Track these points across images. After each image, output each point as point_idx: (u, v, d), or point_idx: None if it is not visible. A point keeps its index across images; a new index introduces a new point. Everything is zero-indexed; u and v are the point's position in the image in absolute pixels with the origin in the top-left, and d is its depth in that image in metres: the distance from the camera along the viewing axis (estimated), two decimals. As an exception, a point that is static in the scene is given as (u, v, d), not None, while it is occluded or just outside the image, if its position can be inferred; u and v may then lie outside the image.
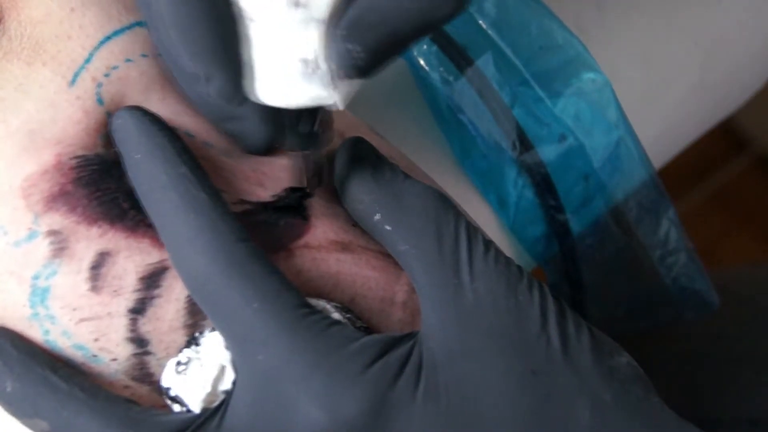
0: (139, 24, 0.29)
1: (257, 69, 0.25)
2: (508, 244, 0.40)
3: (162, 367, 0.28)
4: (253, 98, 0.26)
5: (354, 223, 0.29)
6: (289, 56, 0.24)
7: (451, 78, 0.37)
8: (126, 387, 0.28)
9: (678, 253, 0.40)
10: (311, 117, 0.27)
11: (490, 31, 0.37)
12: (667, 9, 0.44)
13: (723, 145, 1.15)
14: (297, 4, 0.24)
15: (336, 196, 0.30)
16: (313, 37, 0.24)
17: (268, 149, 0.30)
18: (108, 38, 0.29)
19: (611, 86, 0.36)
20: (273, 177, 0.30)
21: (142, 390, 0.28)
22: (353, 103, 0.26)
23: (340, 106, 0.25)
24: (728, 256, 1.12)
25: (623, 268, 0.40)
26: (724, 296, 0.42)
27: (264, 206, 0.29)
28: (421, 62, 0.38)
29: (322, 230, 0.29)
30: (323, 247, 0.29)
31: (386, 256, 0.29)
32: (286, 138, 0.29)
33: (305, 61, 0.24)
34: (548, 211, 0.38)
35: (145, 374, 0.28)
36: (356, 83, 0.25)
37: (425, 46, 0.37)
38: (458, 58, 0.37)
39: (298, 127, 0.28)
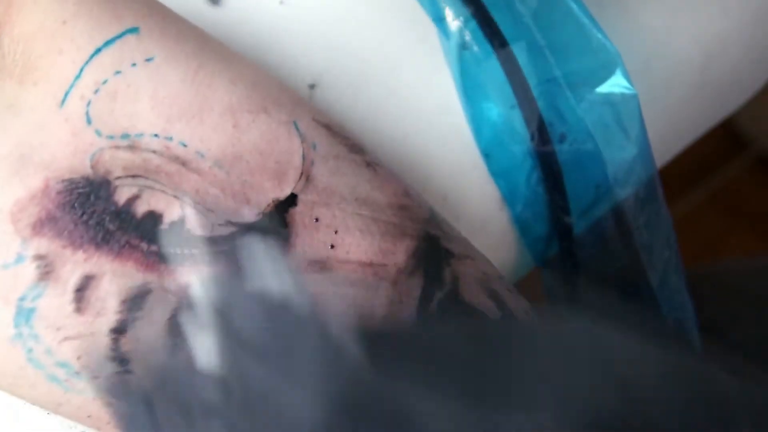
0: (130, 31, 0.29)
1: None
2: (510, 239, 0.40)
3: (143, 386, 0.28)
4: None
5: (336, 230, 0.29)
6: None
7: (482, 56, 0.37)
8: (109, 404, 0.28)
9: (677, 289, 0.40)
10: None
11: (528, 22, 0.37)
12: (667, 8, 0.44)
13: (723, 145, 1.15)
14: None
15: (324, 195, 0.29)
16: None
17: None
18: (98, 50, 0.28)
19: (638, 100, 0.36)
20: (258, 188, 0.29)
21: (124, 409, 0.28)
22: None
23: None
24: (728, 256, 1.12)
25: (622, 291, 0.40)
26: (718, 286, 0.42)
27: (248, 228, 0.29)
28: (460, 34, 0.37)
29: (302, 249, 0.29)
30: (301, 269, 0.29)
31: (365, 265, 0.29)
32: None
33: None
34: (554, 211, 0.38)
35: (126, 393, 0.28)
36: None
37: (464, 19, 0.37)
38: (494, 37, 0.37)
39: None
